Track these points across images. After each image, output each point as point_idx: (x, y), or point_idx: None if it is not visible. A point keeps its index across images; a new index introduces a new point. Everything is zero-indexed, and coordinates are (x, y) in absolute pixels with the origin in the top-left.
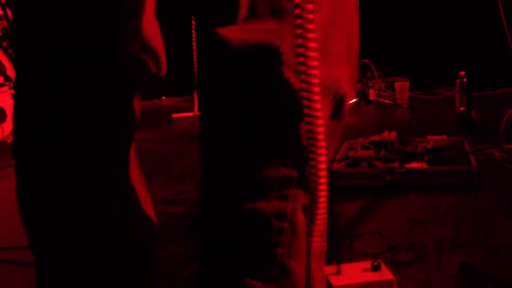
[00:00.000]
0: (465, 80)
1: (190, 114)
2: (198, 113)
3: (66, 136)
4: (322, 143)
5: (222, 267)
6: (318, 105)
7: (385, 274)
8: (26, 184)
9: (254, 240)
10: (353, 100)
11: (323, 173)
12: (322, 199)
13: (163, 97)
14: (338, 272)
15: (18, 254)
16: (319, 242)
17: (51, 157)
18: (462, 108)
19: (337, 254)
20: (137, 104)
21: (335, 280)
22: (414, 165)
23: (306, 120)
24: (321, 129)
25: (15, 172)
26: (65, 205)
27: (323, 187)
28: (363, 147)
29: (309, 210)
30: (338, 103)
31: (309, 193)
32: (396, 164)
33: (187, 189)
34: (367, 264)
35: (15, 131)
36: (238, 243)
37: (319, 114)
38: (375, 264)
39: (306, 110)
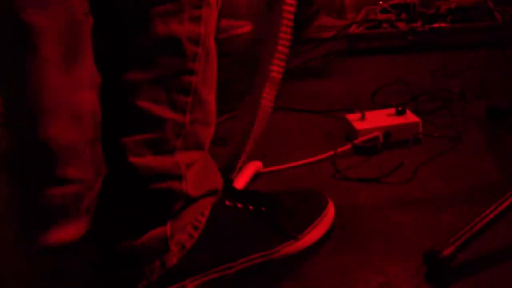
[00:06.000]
0: None
1: None
2: None
3: None
4: None
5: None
6: None
7: (410, 117)
8: None
9: (167, 64)
10: None
11: None
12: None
13: None
14: (362, 118)
15: None
16: (280, 66)
17: None
18: None
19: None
20: None
21: (359, 125)
22: (436, 25)
23: None
24: None
25: None
26: None
27: None
28: (383, 11)
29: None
30: None
31: None
32: (419, 24)
33: None
34: (391, 110)
35: None
36: (151, 66)
37: None
38: (400, 109)
39: None
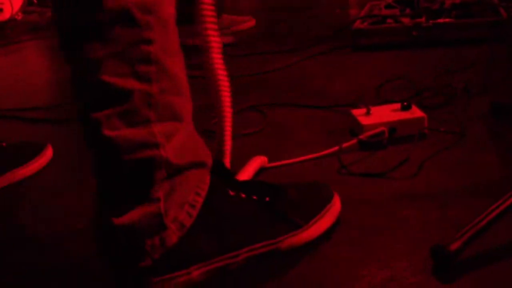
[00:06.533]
0: None
1: None
2: None
3: None
4: None
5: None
6: None
7: (416, 112)
8: None
9: (123, 36)
10: None
11: None
12: None
13: None
14: (368, 113)
15: (37, 113)
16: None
17: None
18: None
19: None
20: None
21: (364, 120)
22: (441, 20)
23: None
24: None
25: None
26: None
27: None
28: (388, 6)
29: None
30: None
31: None
32: (423, 19)
33: None
34: (397, 105)
35: None
36: (109, 40)
37: None
38: (405, 104)
39: None
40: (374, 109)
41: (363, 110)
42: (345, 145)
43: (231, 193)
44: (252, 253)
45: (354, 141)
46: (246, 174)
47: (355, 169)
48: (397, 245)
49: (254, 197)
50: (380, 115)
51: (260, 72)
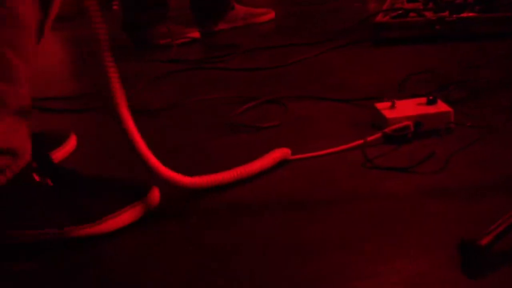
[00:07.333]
0: None
1: None
2: None
3: None
4: None
5: None
6: None
7: (442, 107)
8: None
9: None
10: None
11: None
12: None
13: None
14: (392, 107)
15: (56, 103)
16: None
17: None
18: None
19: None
20: None
21: (389, 114)
22: (465, 14)
23: None
24: None
25: None
26: None
27: None
28: (410, 0)
29: None
30: None
31: None
32: (447, 13)
33: None
34: (422, 99)
35: None
36: None
37: None
38: (431, 98)
39: None
40: (399, 103)
41: (388, 104)
42: (369, 138)
43: (37, 179)
44: (39, 238)
45: (378, 134)
46: (260, 162)
47: (380, 163)
48: (423, 240)
49: (55, 186)
50: (405, 109)
51: (279, 65)
